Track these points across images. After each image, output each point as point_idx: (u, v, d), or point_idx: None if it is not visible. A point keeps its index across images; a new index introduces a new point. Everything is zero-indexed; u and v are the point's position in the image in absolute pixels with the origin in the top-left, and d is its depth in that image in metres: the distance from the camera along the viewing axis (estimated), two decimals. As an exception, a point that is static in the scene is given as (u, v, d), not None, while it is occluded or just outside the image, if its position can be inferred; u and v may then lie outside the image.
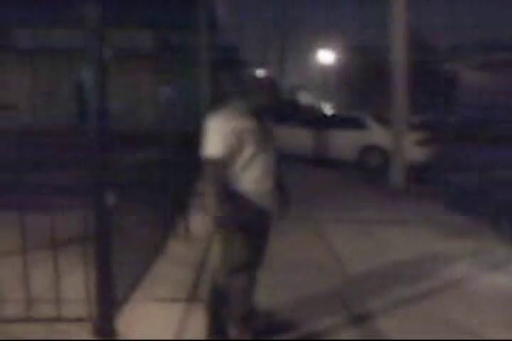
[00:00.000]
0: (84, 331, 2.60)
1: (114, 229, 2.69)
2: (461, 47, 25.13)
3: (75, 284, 2.79)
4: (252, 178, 3.27)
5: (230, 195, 3.22)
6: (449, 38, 25.67)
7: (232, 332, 3.36)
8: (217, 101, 10.57)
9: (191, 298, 3.62)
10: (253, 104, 3.30)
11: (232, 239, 3.27)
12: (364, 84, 28.50)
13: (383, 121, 12.28)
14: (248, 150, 3.21)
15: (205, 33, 11.62)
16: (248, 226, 3.28)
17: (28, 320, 2.79)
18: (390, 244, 5.91)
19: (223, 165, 3.19)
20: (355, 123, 12.95)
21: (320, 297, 4.28)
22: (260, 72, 3.50)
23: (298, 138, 13.45)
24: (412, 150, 10.51)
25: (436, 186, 9.78)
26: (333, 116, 15.80)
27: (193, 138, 6.39)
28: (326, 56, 33.76)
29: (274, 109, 3.48)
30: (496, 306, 4.23)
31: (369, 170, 12.12)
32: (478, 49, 22.48)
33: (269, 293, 3.92)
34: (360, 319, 3.92)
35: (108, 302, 2.56)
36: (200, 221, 5.57)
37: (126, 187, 4.25)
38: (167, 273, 4.02)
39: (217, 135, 3.16)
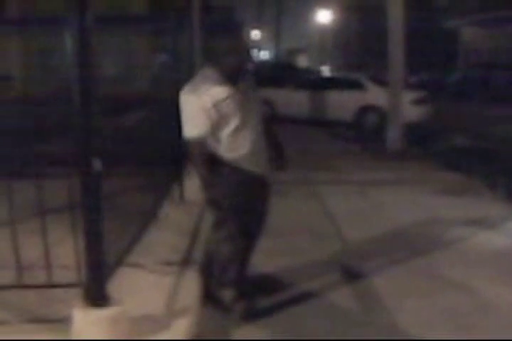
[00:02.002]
0: (76, 297, 2.61)
1: (104, 196, 2.68)
2: (461, 3, 24.62)
3: (66, 251, 2.80)
4: (242, 146, 3.16)
5: (220, 168, 3.14)
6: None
7: (222, 296, 3.38)
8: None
9: (184, 263, 3.64)
10: (225, 70, 3.09)
11: (226, 209, 3.20)
12: (362, 44, 28.09)
13: (381, 81, 12.17)
14: (234, 119, 3.08)
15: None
16: (243, 197, 3.22)
17: (18, 286, 2.82)
18: (386, 204, 5.92)
19: (205, 143, 3.06)
20: (353, 84, 12.85)
21: (316, 259, 4.30)
22: (231, 36, 3.37)
23: (296, 100, 13.35)
24: (409, 110, 10.42)
25: (434, 146, 9.75)
26: (330, 77, 15.64)
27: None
28: (323, 17, 33.17)
29: (247, 70, 3.28)
30: (491, 264, 4.25)
31: (366, 131, 12.07)
32: (478, 5, 22.00)
33: (265, 257, 3.94)
34: (354, 278, 3.95)
35: (98, 267, 2.56)
36: (194, 186, 5.58)
37: (118, 152, 4.26)
38: (161, 238, 4.03)
39: (196, 113, 3.00)
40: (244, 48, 3.27)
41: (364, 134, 11.75)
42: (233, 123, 3.07)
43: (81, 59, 2.44)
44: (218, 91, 3.02)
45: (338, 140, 11.24)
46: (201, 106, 2.97)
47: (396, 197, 6.21)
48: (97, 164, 2.49)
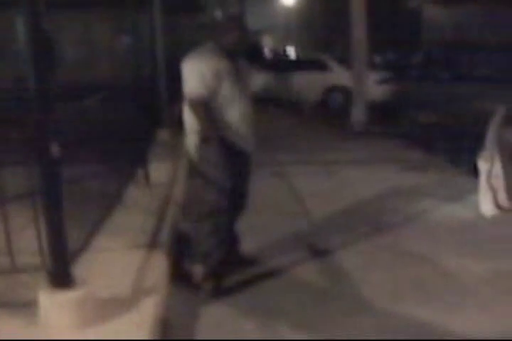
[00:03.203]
0: (41, 281, 2.59)
1: (68, 181, 2.65)
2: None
3: (29, 237, 2.76)
4: (230, 119, 3.37)
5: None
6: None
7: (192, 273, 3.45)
8: (175, 48, 10.31)
9: (152, 245, 3.63)
10: (224, 46, 3.35)
11: (208, 180, 3.34)
12: (326, 24, 28.09)
13: (345, 62, 12.23)
14: (225, 91, 3.32)
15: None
16: (225, 168, 3.34)
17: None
18: (352, 182, 5.99)
19: (207, 104, 3.27)
20: (318, 65, 12.88)
21: (282, 236, 4.34)
22: (229, 12, 3.52)
23: (261, 81, 13.31)
24: (374, 89, 10.51)
25: (398, 125, 9.85)
26: (295, 58, 15.64)
27: (148, 86, 6.28)
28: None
29: (244, 48, 3.52)
30: (455, 236, 4.35)
31: (332, 111, 12.14)
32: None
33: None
34: (321, 254, 4.01)
35: (61, 250, 2.54)
36: (160, 168, 5.56)
37: (80, 136, 4.20)
38: (126, 221, 4.01)
39: (196, 76, 3.26)
40: (242, 28, 3.46)
41: (329, 114, 11.82)
42: (224, 93, 3.31)
43: (33, 44, 2.39)
44: (218, 62, 3.30)
45: (304, 119, 11.28)
46: (205, 70, 3.25)
47: (361, 175, 6.29)
48: (55, 149, 2.46)
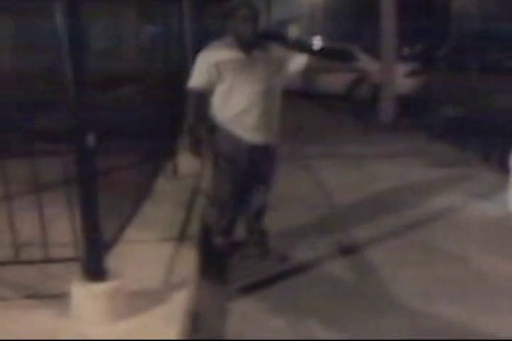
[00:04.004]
0: (74, 272, 2.62)
1: (99, 172, 2.66)
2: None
3: (63, 228, 2.78)
4: (233, 110, 3.40)
5: (210, 127, 3.48)
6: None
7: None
8: (204, 38, 10.27)
9: (181, 237, 3.65)
10: (238, 37, 3.37)
11: (219, 169, 3.54)
12: (353, 14, 27.76)
13: (373, 52, 12.04)
14: (228, 81, 3.37)
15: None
16: (233, 159, 3.45)
17: (15, 262, 2.81)
18: (380, 176, 5.93)
19: (204, 95, 3.44)
20: (345, 56, 12.70)
21: (311, 231, 4.32)
22: (241, 3, 3.45)
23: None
24: (402, 82, 10.36)
25: (426, 118, 9.73)
26: (322, 48, 15.47)
27: (177, 76, 6.26)
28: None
29: (258, 38, 3.44)
30: (485, 233, 4.29)
31: (359, 103, 12.00)
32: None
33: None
34: (349, 250, 3.98)
35: (96, 241, 2.56)
36: (188, 160, 5.55)
37: (111, 127, 4.21)
38: (156, 213, 4.02)
39: (199, 67, 3.41)
40: (254, 19, 3.39)
41: (357, 106, 11.70)
42: (226, 85, 3.37)
43: (70, 33, 2.39)
44: (225, 53, 3.37)
45: (331, 112, 11.19)
46: (206, 63, 3.37)
47: (389, 169, 6.21)
48: (91, 140, 2.46)
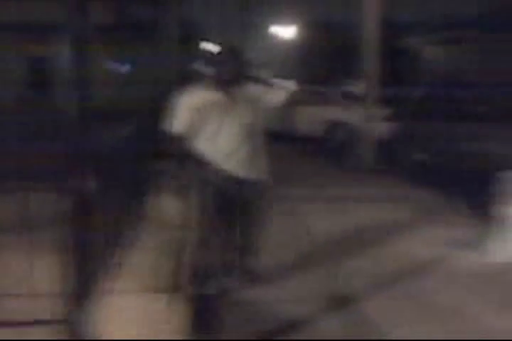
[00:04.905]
0: (59, 332, 2.36)
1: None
2: (424, 22, 25.09)
3: (48, 278, 2.53)
4: (220, 151, 3.40)
5: (197, 166, 3.43)
6: (412, 12, 25.52)
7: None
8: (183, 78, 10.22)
9: (170, 288, 3.41)
10: (218, 79, 3.40)
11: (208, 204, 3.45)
12: (328, 60, 28.27)
13: (349, 96, 12.12)
14: (211, 124, 3.36)
15: (172, 8, 11.13)
16: (224, 193, 3.41)
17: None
18: (366, 223, 5.77)
19: (185, 139, 3.40)
20: (321, 99, 12.77)
21: (301, 282, 4.11)
22: (226, 45, 3.70)
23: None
24: (380, 126, 10.38)
25: (403, 162, 9.67)
26: (296, 91, 15.58)
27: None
28: (288, 32, 33.28)
29: (240, 80, 3.49)
30: (480, 286, 4.15)
31: (335, 147, 11.95)
32: (442, 24, 22.39)
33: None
34: (343, 303, 3.77)
35: (83, 298, 2.33)
36: (173, 204, 5.32)
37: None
38: (142, 261, 3.78)
39: (180, 111, 3.37)
40: (236, 61, 3.45)
41: (334, 150, 11.64)
42: (211, 127, 3.37)
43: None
44: (206, 96, 3.37)
45: (308, 155, 11.10)
46: (187, 106, 3.35)
47: (374, 215, 6.07)
48: (89, 184, 2.23)
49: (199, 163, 3.46)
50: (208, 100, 3.36)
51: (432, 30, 21.26)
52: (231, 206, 3.48)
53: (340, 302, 3.80)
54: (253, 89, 3.66)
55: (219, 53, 3.56)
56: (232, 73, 3.42)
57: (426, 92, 19.83)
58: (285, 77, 35.98)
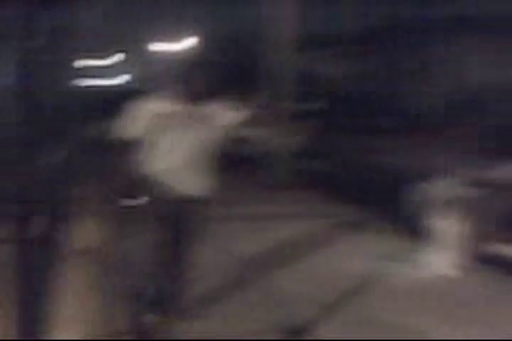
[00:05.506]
0: None
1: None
2: (307, 38, 25.79)
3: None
4: (170, 163, 3.28)
5: (142, 181, 3.30)
6: (296, 28, 26.20)
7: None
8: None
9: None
10: (184, 90, 3.29)
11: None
12: (219, 73, 28.25)
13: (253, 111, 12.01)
14: (165, 135, 3.25)
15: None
16: (165, 217, 3.30)
17: None
18: (293, 242, 5.63)
19: (134, 147, 3.27)
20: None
21: (243, 314, 3.83)
22: (194, 57, 3.43)
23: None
24: (286, 140, 10.37)
25: (313, 176, 9.70)
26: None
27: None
28: (177, 45, 32.94)
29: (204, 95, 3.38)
30: (424, 302, 4.13)
31: (242, 161, 11.77)
32: (336, 39, 23.07)
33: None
34: (296, 334, 3.56)
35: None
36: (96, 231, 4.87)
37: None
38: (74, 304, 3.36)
39: (136, 117, 3.24)
40: (203, 75, 3.34)
41: (242, 165, 11.45)
42: (165, 138, 3.26)
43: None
44: (166, 106, 3.26)
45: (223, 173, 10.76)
46: (143, 113, 3.24)
47: (299, 233, 5.95)
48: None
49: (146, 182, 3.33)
50: (164, 111, 3.26)
51: (326, 45, 21.87)
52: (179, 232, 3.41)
53: (293, 331, 3.59)
54: (212, 108, 3.49)
55: (187, 65, 3.46)
56: (197, 87, 3.32)
57: (324, 107, 20.41)
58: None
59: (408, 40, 19.89)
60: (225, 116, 3.49)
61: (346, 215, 6.84)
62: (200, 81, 3.30)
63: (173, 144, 3.29)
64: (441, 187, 5.64)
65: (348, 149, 13.36)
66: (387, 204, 7.05)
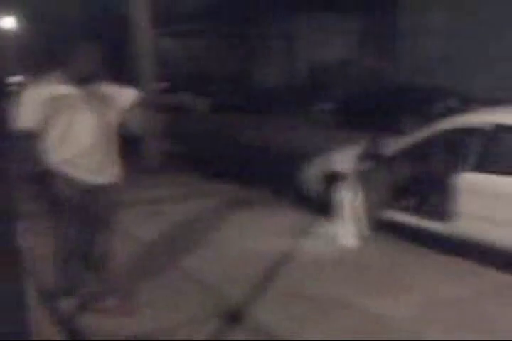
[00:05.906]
0: None
1: None
2: (155, 15, 25.21)
3: None
4: (71, 150, 3.11)
5: (44, 173, 3.13)
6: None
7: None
8: None
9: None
10: (71, 73, 3.15)
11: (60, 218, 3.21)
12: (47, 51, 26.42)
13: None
14: (62, 120, 3.07)
15: None
16: (73, 204, 3.15)
17: None
18: (188, 224, 5.50)
19: (35, 136, 3.09)
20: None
21: (174, 302, 3.73)
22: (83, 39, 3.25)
23: None
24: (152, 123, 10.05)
25: (183, 158, 9.52)
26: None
27: None
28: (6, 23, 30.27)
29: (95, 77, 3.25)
30: (340, 273, 4.23)
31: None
32: (173, 17, 22.74)
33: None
34: (237, 318, 3.49)
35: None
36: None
37: None
38: None
39: (28, 104, 3.06)
40: (93, 56, 3.21)
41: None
42: (62, 123, 3.08)
43: None
44: (59, 89, 3.09)
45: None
46: (36, 99, 3.05)
47: (192, 214, 5.80)
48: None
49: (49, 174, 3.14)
50: (58, 94, 3.07)
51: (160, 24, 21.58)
52: (82, 214, 3.25)
53: (234, 315, 3.52)
54: (106, 87, 3.33)
55: (75, 46, 3.21)
56: (87, 68, 3.16)
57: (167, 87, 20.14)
58: (7, 73, 32.76)
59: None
60: (122, 96, 3.37)
61: (232, 193, 6.81)
62: (86, 61, 3.16)
63: (75, 129, 3.11)
64: (331, 162, 5.86)
65: (210, 129, 13.40)
66: (272, 181, 7.19)
